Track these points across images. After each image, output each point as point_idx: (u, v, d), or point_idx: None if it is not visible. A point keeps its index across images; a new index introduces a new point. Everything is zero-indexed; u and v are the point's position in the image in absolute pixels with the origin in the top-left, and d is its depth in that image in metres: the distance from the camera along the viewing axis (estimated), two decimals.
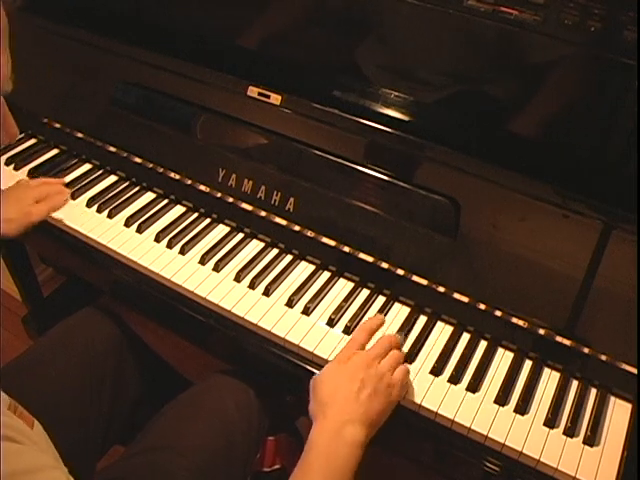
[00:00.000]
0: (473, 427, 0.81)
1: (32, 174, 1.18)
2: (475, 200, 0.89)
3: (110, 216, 1.09)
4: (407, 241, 0.93)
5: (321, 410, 0.76)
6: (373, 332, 0.88)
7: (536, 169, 0.85)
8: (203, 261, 1.01)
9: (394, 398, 0.80)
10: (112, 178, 1.18)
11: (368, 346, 0.85)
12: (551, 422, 0.82)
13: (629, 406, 0.85)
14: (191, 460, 0.88)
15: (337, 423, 0.73)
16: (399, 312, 0.96)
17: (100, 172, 1.19)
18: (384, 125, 0.93)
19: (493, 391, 0.85)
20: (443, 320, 0.95)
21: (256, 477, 1.01)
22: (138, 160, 1.14)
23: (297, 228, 1.01)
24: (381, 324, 0.91)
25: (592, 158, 0.88)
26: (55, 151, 1.24)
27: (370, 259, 0.96)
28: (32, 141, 1.26)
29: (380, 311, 0.95)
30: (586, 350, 0.85)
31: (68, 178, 1.17)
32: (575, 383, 0.88)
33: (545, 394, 0.86)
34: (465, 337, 0.93)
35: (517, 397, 0.85)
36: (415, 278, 0.94)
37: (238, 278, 0.98)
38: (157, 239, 1.05)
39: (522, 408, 0.83)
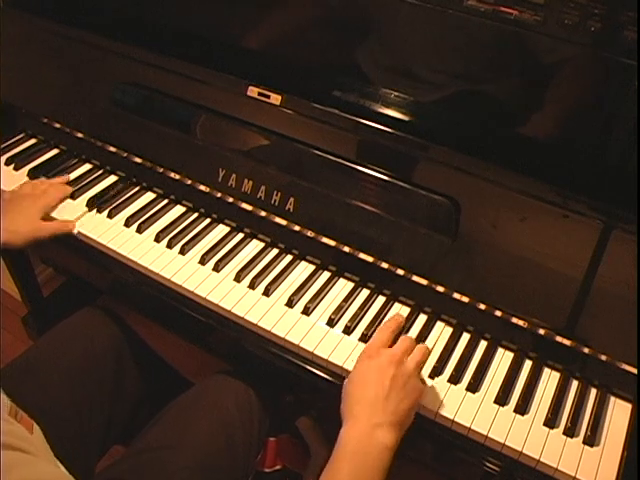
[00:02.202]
0: (473, 427, 0.81)
1: (32, 174, 1.18)
2: (475, 200, 0.89)
3: (110, 216, 1.09)
4: (407, 241, 0.93)
5: (351, 411, 0.74)
6: (395, 331, 0.85)
7: (536, 169, 0.85)
8: (203, 261, 1.01)
9: (420, 396, 0.78)
10: (112, 178, 1.18)
11: None
12: (551, 422, 0.82)
13: (629, 406, 0.85)
14: (192, 460, 0.88)
15: (367, 426, 0.72)
16: (399, 312, 0.96)
17: (100, 172, 1.19)
18: (384, 125, 0.93)
19: (493, 391, 0.86)
20: (443, 320, 0.95)
21: (257, 477, 1.01)
22: (138, 160, 1.14)
23: (297, 228, 1.01)
24: (402, 322, 0.88)
25: (592, 158, 0.88)
26: (55, 151, 1.24)
27: (370, 259, 0.96)
28: (32, 141, 1.26)
29: (380, 311, 0.95)
30: (586, 350, 0.85)
31: None
32: (575, 383, 0.88)
33: (545, 394, 0.86)
34: (465, 337, 0.93)
35: (517, 397, 0.85)
36: (415, 278, 0.94)
37: (238, 278, 0.98)
38: (157, 239, 1.05)
39: (522, 408, 0.83)
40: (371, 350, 0.80)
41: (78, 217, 1.08)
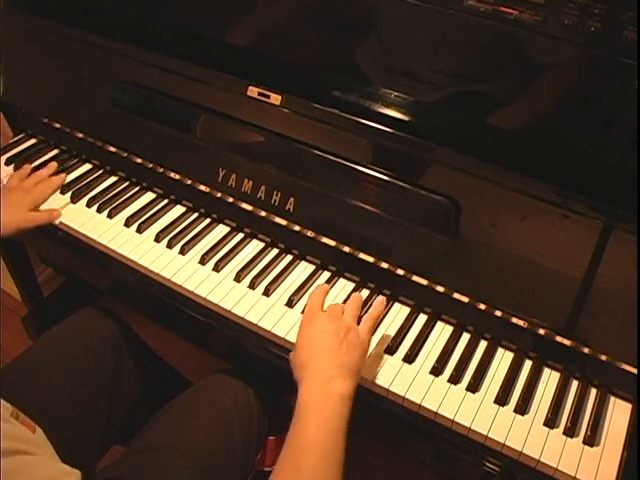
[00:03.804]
0: (473, 427, 0.81)
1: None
2: (475, 200, 0.89)
3: (110, 216, 1.09)
4: (407, 241, 0.93)
5: (303, 371, 0.76)
6: (324, 295, 0.88)
7: (536, 169, 0.85)
8: (203, 261, 1.01)
9: (366, 345, 0.82)
10: (112, 178, 1.18)
11: None
12: (551, 422, 0.82)
13: (629, 406, 0.86)
14: (191, 459, 0.88)
15: (322, 380, 0.74)
16: (399, 312, 0.96)
17: (100, 172, 1.19)
18: (384, 125, 0.93)
19: (493, 391, 0.86)
20: (443, 320, 0.95)
21: (257, 476, 1.01)
22: (138, 160, 1.14)
23: (297, 228, 1.01)
24: (327, 287, 0.91)
25: (592, 158, 0.88)
26: (55, 151, 1.24)
27: (370, 259, 0.96)
28: (32, 141, 1.26)
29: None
30: (586, 350, 0.85)
31: (68, 178, 1.17)
32: (575, 383, 0.88)
33: (545, 394, 0.86)
34: (465, 337, 0.93)
35: (517, 397, 0.85)
36: (415, 278, 0.94)
37: (238, 278, 0.98)
38: (157, 239, 1.05)
39: (522, 408, 0.83)
40: (309, 315, 0.83)
41: (78, 217, 1.08)
